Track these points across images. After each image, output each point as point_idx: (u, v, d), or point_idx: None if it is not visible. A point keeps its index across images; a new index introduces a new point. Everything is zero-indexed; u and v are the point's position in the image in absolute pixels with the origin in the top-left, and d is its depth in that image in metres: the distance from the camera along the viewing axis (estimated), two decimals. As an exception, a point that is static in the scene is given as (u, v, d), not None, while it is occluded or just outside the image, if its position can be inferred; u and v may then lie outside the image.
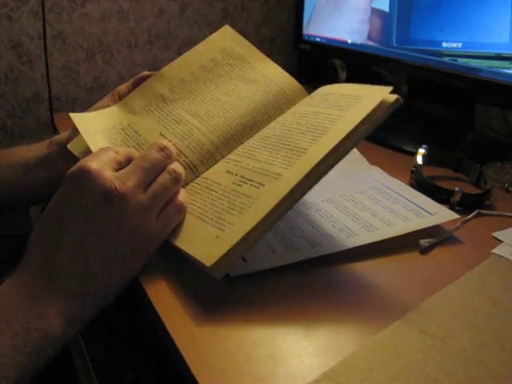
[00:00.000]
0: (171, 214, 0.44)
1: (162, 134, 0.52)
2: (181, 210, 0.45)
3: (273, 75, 0.58)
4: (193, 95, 0.56)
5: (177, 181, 0.45)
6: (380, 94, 0.46)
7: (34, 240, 0.41)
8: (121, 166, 0.43)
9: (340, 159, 0.44)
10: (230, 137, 0.53)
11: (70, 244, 0.39)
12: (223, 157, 0.52)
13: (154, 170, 0.43)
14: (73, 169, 0.41)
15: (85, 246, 0.39)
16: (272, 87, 0.57)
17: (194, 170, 0.50)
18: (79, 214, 0.40)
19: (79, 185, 0.40)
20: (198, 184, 0.49)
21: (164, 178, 0.44)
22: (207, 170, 0.51)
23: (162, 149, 0.45)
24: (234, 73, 0.58)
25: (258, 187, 0.44)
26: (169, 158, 0.45)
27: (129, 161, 0.44)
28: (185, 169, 0.48)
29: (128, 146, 0.51)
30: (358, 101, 0.47)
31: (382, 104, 0.45)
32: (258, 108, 0.55)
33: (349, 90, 0.51)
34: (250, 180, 0.45)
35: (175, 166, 0.45)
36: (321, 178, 0.43)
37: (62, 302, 0.38)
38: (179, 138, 0.52)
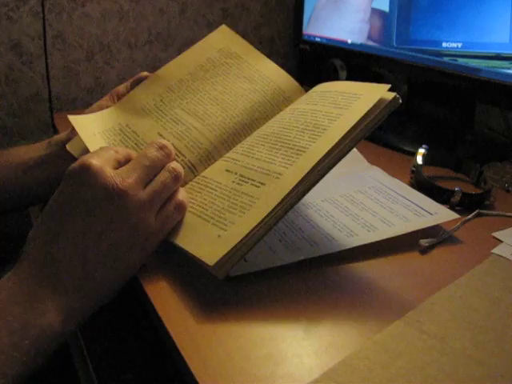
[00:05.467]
0: (170, 212, 0.44)
1: (160, 134, 0.52)
2: (180, 208, 0.45)
3: (270, 73, 0.58)
4: (190, 94, 0.56)
5: (176, 179, 0.45)
6: (378, 92, 0.46)
7: (32, 236, 0.41)
8: (120, 165, 0.43)
9: (340, 158, 0.44)
10: (228, 136, 0.53)
11: (69, 239, 0.39)
12: (222, 156, 0.52)
13: (154, 168, 0.44)
14: (74, 165, 0.42)
15: (84, 241, 0.39)
16: (269, 85, 0.57)
17: (193, 170, 0.50)
18: (79, 209, 0.40)
19: (80, 180, 0.40)
20: (197, 183, 0.49)
21: (164, 175, 0.44)
22: (206, 169, 0.51)
23: (162, 147, 0.45)
24: (231, 72, 0.58)
25: (258, 186, 0.44)
26: (168, 156, 0.45)
27: (128, 160, 0.44)
28: (183, 168, 0.48)
29: (126, 147, 0.51)
30: (356, 99, 0.47)
31: (380, 102, 0.45)
32: (256, 106, 0.55)
33: (347, 87, 0.51)
34: (250, 179, 0.45)
35: (175, 165, 0.45)
36: (322, 176, 0.43)
37: (61, 297, 0.38)
38: (177, 137, 0.52)
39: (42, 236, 0.40)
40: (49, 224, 0.40)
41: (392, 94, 0.45)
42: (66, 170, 0.42)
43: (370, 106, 0.45)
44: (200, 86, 0.57)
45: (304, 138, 0.46)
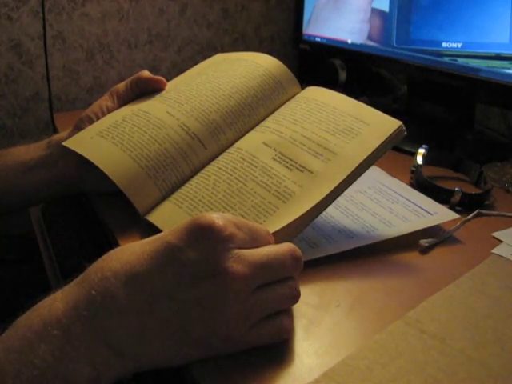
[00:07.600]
0: (267, 331, 0.36)
1: (168, 113, 0.54)
2: (281, 333, 0.37)
3: (260, 60, 0.62)
4: (189, 87, 0.58)
5: (292, 299, 0.37)
6: (390, 126, 0.50)
7: (108, 270, 0.33)
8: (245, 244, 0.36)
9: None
10: (231, 108, 0.55)
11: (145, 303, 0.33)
12: (231, 129, 0.54)
13: (278, 275, 0.36)
14: (199, 221, 0.34)
15: (157, 310, 0.33)
16: (260, 70, 0.60)
17: (202, 142, 0.53)
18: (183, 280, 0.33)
19: (199, 242, 0.34)
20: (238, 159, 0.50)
21: (283, 289, 0.36)
22: (216, 143, 0.53)
23: (297, 259, 0.37)
24: (226, 63, 0.62)
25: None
26: (296, 270, 0.38)
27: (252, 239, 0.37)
28: (192, 139, 0.52)
29: (139, 125, 0.53)
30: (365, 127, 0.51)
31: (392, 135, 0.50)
32: (250, 83, 0.58)
33: (352, 109, 0.53)
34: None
35: (297, 285, 0.38)
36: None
37: (100, 349, 0.32)
38: (187, 115, 0.54)
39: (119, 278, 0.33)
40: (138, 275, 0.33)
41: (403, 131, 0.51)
42: (192, 220, 0.34)
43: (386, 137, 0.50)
44: (197, 79, 0.59)
45: (313, 160, 0.47)
